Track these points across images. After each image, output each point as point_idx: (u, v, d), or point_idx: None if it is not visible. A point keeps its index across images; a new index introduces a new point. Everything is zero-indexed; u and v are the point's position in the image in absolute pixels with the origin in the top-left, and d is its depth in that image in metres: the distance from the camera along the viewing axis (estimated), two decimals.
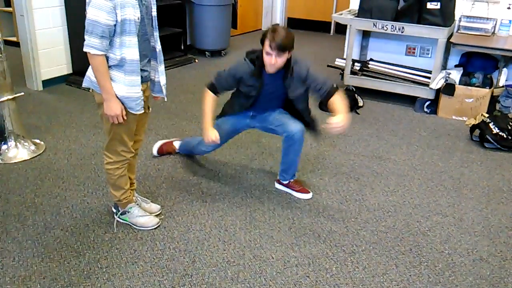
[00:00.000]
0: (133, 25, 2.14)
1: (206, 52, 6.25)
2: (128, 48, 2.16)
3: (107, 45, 2.13)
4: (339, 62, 5.13)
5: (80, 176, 3.15)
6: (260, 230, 2.67)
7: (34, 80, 4.71)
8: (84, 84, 2.34)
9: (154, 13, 2.32)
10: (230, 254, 2.47)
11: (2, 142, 3.37)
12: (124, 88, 2.22)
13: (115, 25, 2.10)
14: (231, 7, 6.20)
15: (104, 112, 2.26)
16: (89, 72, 2.28)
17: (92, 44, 2.10)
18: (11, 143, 3.38)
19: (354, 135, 4.00)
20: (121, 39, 2.14)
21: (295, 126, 2.84)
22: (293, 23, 8.26)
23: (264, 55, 2.60)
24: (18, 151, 3.38)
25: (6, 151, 3.36)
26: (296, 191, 3.04)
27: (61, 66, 4.91)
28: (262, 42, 2.60)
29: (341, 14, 4.88)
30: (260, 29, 8.15)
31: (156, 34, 2.36)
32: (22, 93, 3.40)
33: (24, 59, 4.68)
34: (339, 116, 2.59)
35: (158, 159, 3.42)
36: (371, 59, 5.02)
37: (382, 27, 4.47)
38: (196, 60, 6.02)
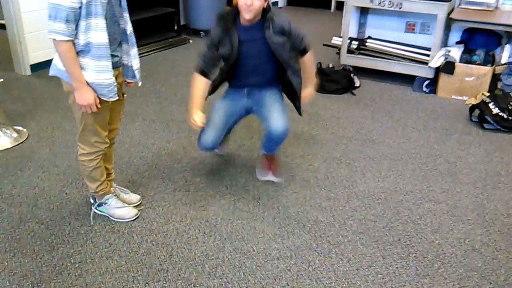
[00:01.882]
0: (99, 6, 2.00)
1: (201, 32, 6.06)
2: (95, 32, 2.03)
3: (73, 30, 1.99)
4: (335, 40, 4.95)
5: (61, 165, 3.06)
6: (243, 221, 2.57)
7: (21, 65, 4.60)
8: (51, 73, 2.22)
9: None
10: (209, 247, 2.37)
11: None
12: (93, 74, 2.10)
13: (80, 8, 1.96)
14: None
15: (76, 102, 2.14)
16: (55, 60, 2.16)
17: (56, 30, 1.97)
18: None
19: (348, 118, 3.85)
20: (86, 22, 2.01)
21: (277, 126, 2.57)
22: (294, 0, 8.04)
23: None
24: (0, 139, 3.29)
25: None
26: (269, 169, 2.86)
27: (50, 50, 4.76)
28: None
29: None
30: None
31: (126, 15, 2.23)
32: (1, 80, 3.29)
33: (11, 43, 4.56)
34: (308, 89, 2.79)
35: (143, 146, 3.32)
36: (369, 37, 4.83)
37: (379, 3, 4.28)
38: (190, 41, 5.85)
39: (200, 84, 2.60)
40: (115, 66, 2.20)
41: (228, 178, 2.95)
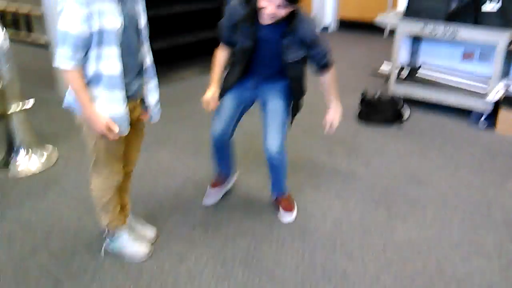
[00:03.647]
0: (113, 35, 1.87)
1: None
2: (107, 61, 1.90)
3: (81, 58, 1.87)
4: (385, 67, 4.66)
5: (83, 192, 2.95)
6: (262, 266, 2.33)
7: (62, 85, 4.63)
8: (64, 105, 2.09)
9: (142, 25, 2.05)
10: None
11: (13, 154, 3.25)
12: (104, 105, 1.96)
13: (90, 36, 1.83)
14: None
15: (92, 131, 2.01)
16: (68, 91, 2.04)
17: (63, 58, 1.84)
18: (22, 154, 3.26)
19: (393, 153, 3.54)
20: (98, 51, 1.88)
21: (271, 144, 2.46)
22: (345, 24, 7.79)
23: (261, 1, 2.15)
24: (28, 163, 3.25)
25: (17, 162, 3.23)
26: (281, 208, 2.72)
27: None
28: None
29: (387, 16, 4.41)
30: None
31: (146, 46, 2.09)
32: (31, 103, 3.26)
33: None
34: (331, 113, 2.57)
35: (169, 174, 3.17)
36: (422, 65, 4.51)
37: (432, 31, 3.96)
38: None
39: (222, 54, 2.52)
40: (131, 98, 2.06)
41: (252, 215, 2.73)
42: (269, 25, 2.26)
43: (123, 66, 1.94)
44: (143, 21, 2.05)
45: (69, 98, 2.04)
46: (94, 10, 1.80)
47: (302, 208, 2.80)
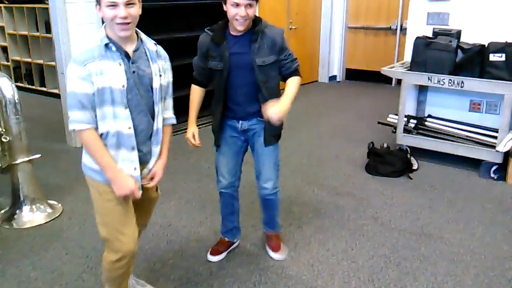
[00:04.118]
0: (117, 93, 1.83)
1: None
2: (114, 120, 1.85)
3: (92, 117, 1.83)
4: (392, 118, 4.64)
5: (86, 247, 2.90)
6: None
7: (72, 137, 4.67)
8: (84, 171, 2.01)
9: (157, 85, 1.95)
10: None
11: (18, 207, 3.23)
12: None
13: (93, 94, 1.81)
14: None
15: (117, 195, 1.92)
16: (84, 153, 1.98)
17: (75, 119, 1.83)
18: (26, 207, 3.24)
19: (402, 206, 3.46)
20: (102, 111, 1.84)
21: (267, 184, 2.56)
22: (352, 74, 7.88)
23: (231, 9, 2.20)
24: (33, 216, 3.22)
25: (21, 215, 3.21)
26: (269, 246, 2.81)
27: None
28: None
29: (393, 67, 4.44)
30: (317, 81, 7.83)
31: (158, 109, 1.98)
32: (39, 155, 3.27)
33: (64, 114, 4.67)
34: (276, 104, 2.23)
35: (173, 229, 3.11)
36: (429, 115, 4.49)
37: (438, 82, 3.97)
38: None
39: (196, 93, 2.51)
40: (140, 162, 1.98)
41: (258, 273, 2.64)
42: (237, 38, 2.31)
43: (134, 125, 1.90)
44: (158, 81, 1.95)
45: (85, 160, 1.97)
46: (93, 69, 1.79)
47: (309, 264, 2.72)
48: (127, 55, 1.88)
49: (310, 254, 2.82)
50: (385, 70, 4.39)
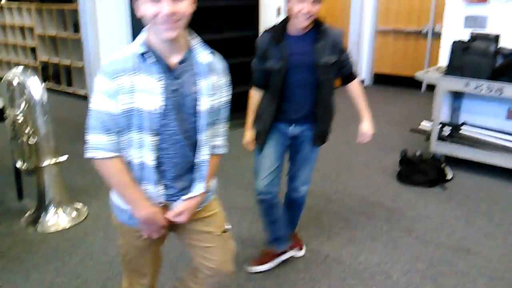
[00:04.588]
0: (148, 117, 1.45)
1: None
2: (139, 149, 1.50)
3: (118, 143, 1.47)
4: (425, 124, 4.49)
5: (110, 253, 2.85)
6: None
7: None
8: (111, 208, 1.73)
9: (205, 107, 1.53)
10: None
11: (43, 210, 3.20)
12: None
13: (120, 116, 1.45)
14: None
15: (146, 235, 1.64)
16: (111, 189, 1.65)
17: (95, 145, 1.46)
18: (52, 210, 3.20)
19: (437, 218, 3.30)
20: (128, 137, 1.49)
21: (302, 188, 2.57)
22: (381, 79, 7.70)
23: (296, 5, 2.15)
24: (58, 219, 3.18)
25: (46, 219, 3.17)
26: (293, 247, 2.77)
27: None
28: None
29: (428, 72, 4.29)
30: None
31: (204, 137, 1.57)
32: (66, 157, 3.23)
33: None
34: (365, 124, 2.51)
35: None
36: (464, 123, 4.31)
37: (476, 87, 3.80)
38: None
39: (256, 98, 2.45)
40: (170, 198, 1.61)
41: (287, 286, 2.54)
42: (297, 38, 2.27)
43: (163, 158, 1.53)
44: (207, 102, 1.53)
45: (112, 197, 1.68)
46: (124, 84, 1.42)
47: (341, 278, 2.60)
48: (169, 68, 1.49)
49: (341, 267, 2.70)
50: (419, 75, 4.23)
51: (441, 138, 4.18)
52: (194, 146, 1.57)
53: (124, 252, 1.79)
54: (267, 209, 2.52)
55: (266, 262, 2.67)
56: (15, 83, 3.10)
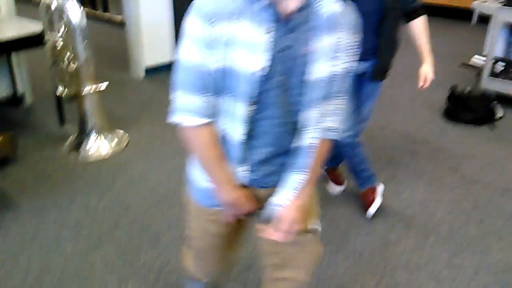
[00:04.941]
0: (246, 80, 1.10)
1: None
2: (230, 119, 1.18)
3: (210, 106, 1.15)
4: (476, 59, 4.23)
5: (152, 180, 2.87)
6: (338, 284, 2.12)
7: (137, 67, 4.59)
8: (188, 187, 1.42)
9: (320, 74, 1.13)
10: None
11: (85, 136, 3.23)
12: (201, 176, 1.31)
13: (214, 72, 1.11)
14: None
15: (225, 218, 1.34)
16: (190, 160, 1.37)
17: (183, 108, 1.16)
18: (93, 137, 3.22)
19: (485, 158, 3.17)
20: (218, 101, 1.17)
21: (361, 124, 2.49)
22: (430, 10, 7.23)
23: None
24: (99, 146, 3.21)
25: (87, 146, 3.20)
26: (330, 179, 2.80)
27: (165, 53, 4.70)
28: None
29: (485, 2, 3.97)
30: None
31: (307, 116, 1.18)
32: (105, 85, 3.20)
33: (128, 43, 4.57)
34: (425, 67, 2.34)
35: None
36: None
37: None
38: None
39: None
40: (256, 183, 1.28)
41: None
42: None
43: (253, 133, 1.19)
44: (324, 68, 1.13)
45: (191, 170, 1.37)
46: (222, 33, 1.07)
47: (383, 216, 2.56)
48: (281, 17, 1.09)
49: (383, 204, 2.65)
50: (477, 5, 3.93)
51: (493, 74, 3.94)
52: (294, 125, 1.21)
53: (193, 237, 1.52)
54: (353, 149, 2.47)
55: (373, 200, 2.56)
56: (53, 6, 3.02)
